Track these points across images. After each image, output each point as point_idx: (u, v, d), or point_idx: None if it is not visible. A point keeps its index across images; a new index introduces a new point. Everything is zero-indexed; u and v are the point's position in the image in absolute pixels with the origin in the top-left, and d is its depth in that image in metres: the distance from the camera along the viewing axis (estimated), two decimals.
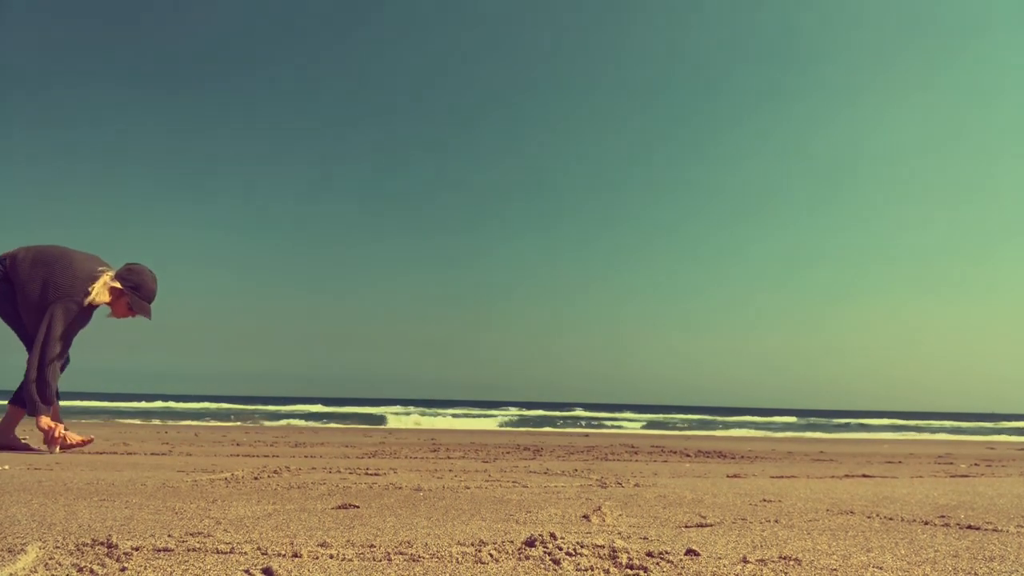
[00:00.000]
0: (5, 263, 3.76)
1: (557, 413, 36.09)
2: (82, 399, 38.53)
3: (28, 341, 3.82)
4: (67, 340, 3.76)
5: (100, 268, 3.79)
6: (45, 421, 4.01)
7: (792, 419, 36.07)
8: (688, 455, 6.21)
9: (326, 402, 54.53)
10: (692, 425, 24.27)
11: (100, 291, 3.71)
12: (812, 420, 35.54)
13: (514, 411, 38.15)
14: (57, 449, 4.22)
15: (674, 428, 21.10)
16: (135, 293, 3.72)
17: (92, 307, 3.75)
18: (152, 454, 5.04)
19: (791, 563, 1.70)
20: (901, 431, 22.17)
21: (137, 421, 14.02)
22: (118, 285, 3.85)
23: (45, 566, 1.50)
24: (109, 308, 3.88)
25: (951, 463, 5.97)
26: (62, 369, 3.87)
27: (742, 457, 6.13)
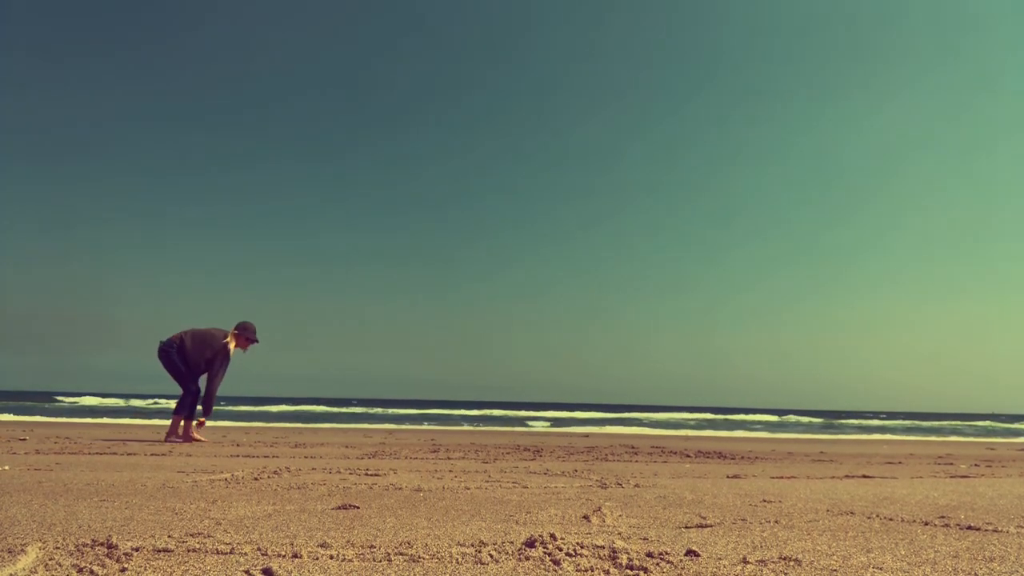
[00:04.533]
0: (176, 344, 6.90)
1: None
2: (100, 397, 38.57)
3: (186, 382, 6.89)
4: (222, 377, 7.11)
5: (226, 332, 7.20)
6: (205, 423, 7.10)
7: (790, 418, 36.12)
8: (688, 455, 6.21)
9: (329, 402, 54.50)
10: (701, 424, 24.29)
11: (232, 342, 7.11)
12: (798, 420, 35.52)
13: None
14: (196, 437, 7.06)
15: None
16: (244, 334, 7.20)
17: (230, 352, 7.15)
18: (152, 454, 5.04)
19: (791, 564, 1.70)
20: (900, 432, 22.17)
21: (139, 421, 14.01)
22: (236, 334, 7.22)
23: (45, 566, 1.50)
24: (236, 347, 7.22)
25: (951, 463, 5.97)
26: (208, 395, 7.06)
27: (742, 458, 6.13)
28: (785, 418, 37.29)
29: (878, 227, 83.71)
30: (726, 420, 30.82)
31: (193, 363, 6.90)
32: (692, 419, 31.82)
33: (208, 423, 13.49)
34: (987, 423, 36.94)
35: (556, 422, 23.59)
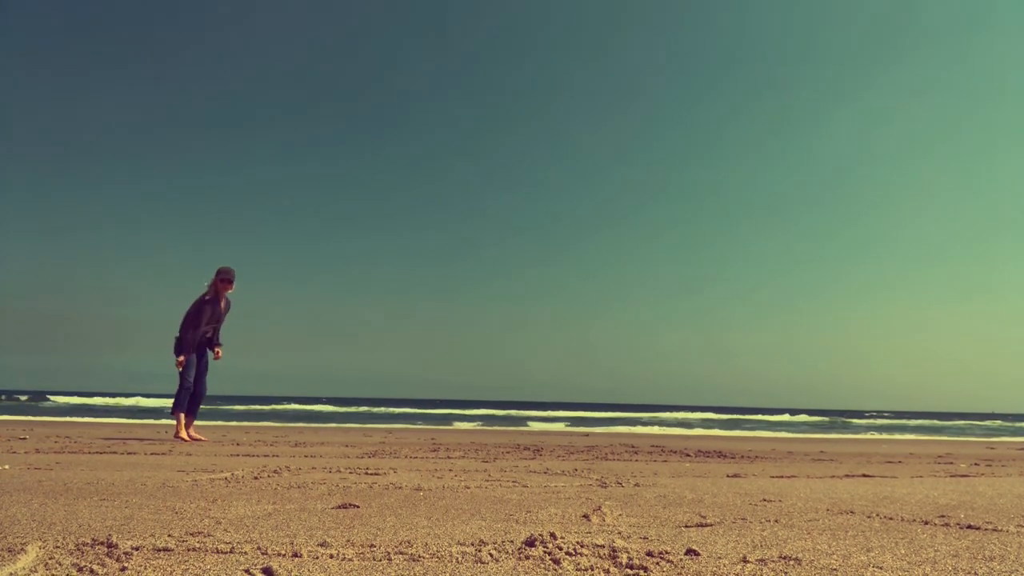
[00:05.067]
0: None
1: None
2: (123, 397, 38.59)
3: (182, 374, 7.04)
4: (201, 312, 7.10)
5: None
6: (183, 360, 7.12)
7: (786, 416, 36.13)
8: (688, 455, 6.21)
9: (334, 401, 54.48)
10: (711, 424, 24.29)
11: (209, 287, 7.13)
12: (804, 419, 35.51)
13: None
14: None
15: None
16: (217, 276, 7.15)
17: (210, 297, 7.10)
18: (152, 454, 5.04)
19: (791, 563, 1.70)
20: (911, 431, 22.14)
21: (148, 421, 14.02)
22: (210, 281, 7.23)
23: (45, 566, 1.50)
24: (221, 296, 7.28)
25: (951, 463, 5.96)
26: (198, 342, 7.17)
27: (742, 457, 6.13)
28: (797, 417, 37.33)
29: (885, 228, 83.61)
30: (734, 419, 30.82)
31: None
32: (695, 418, 31.83)
33: (208, 423, 13.53)
34: (997, 423, 36.96)
35: (564, 422, 23.61)
